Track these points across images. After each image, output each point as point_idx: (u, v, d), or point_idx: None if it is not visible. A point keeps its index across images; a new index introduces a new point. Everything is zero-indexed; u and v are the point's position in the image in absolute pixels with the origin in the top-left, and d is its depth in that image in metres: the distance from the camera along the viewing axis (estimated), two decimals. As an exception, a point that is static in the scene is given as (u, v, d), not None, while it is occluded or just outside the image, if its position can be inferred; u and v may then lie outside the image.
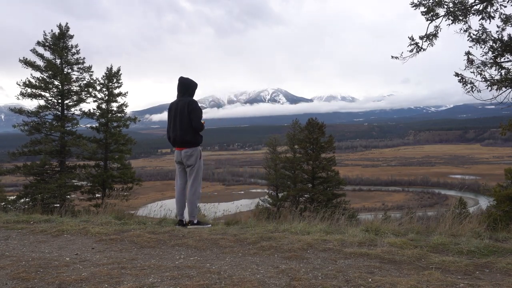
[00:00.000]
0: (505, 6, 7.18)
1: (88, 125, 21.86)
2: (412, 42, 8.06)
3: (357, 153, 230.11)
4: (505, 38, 7.42)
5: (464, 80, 7.80)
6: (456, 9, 7.39)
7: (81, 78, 20.87)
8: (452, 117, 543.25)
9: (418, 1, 7.68)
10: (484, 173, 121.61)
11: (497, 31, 7.45)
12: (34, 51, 19.63)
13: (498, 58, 7.59)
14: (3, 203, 15.29)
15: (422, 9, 7.70)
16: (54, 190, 17.93)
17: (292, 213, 5.47)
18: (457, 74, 7.83)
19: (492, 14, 7.23)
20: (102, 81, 21.98)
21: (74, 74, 20.77)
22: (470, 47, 7.69)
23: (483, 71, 7.64)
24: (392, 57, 8.23)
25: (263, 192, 34.93)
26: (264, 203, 28.63)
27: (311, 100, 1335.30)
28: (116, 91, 22.26)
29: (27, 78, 19.34)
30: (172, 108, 5.22)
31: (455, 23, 7.58)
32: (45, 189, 18.02)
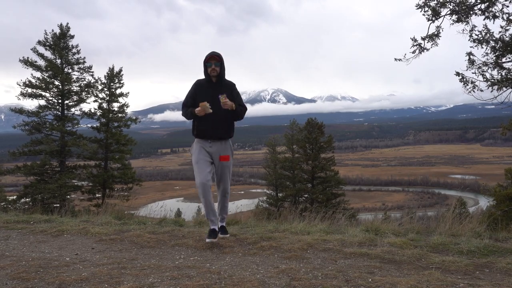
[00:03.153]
0: (507, 6, 7.14)
1: (89, 125, 21.86)
2: (415, 43, 7.92)
3: (357, 153, 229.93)
4: (507, 38, 7.38)
5: (465, 79, 7.76)
6: (458, 8, 7.33)
7: (82, 78, 20.92)
8: (452, 117, 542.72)
9: (423, 2, 7.59)
10: (484, 173, 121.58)
11: (499, 31, 7.41)
12: (34, 50, 19.65)
13: (500, 59, 7.55)
14: (3, 203, 15.30)
15: (427, 10, 7.59)
16: (54, 190, 17.93)
17: (292, 213, 5.46)
18: (457, 74, 7.79)
19: (497, 14, 7.18)
20: (104, 81, 22.01)
21: (74, 74, 20.81)
22: (471, 47, 7.65)
23: (485, 71, 7.59)
24: (396, 59, 8.05)
25: (263, 192, 34.89)
26: (262, 203, 28.59)
27: (311, 100, 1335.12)
28: (118, 91, 22.30)
29: (27, 78, 19.40)
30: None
31: (457, 23, 7.52)
32: (45, 189, 18.02)
